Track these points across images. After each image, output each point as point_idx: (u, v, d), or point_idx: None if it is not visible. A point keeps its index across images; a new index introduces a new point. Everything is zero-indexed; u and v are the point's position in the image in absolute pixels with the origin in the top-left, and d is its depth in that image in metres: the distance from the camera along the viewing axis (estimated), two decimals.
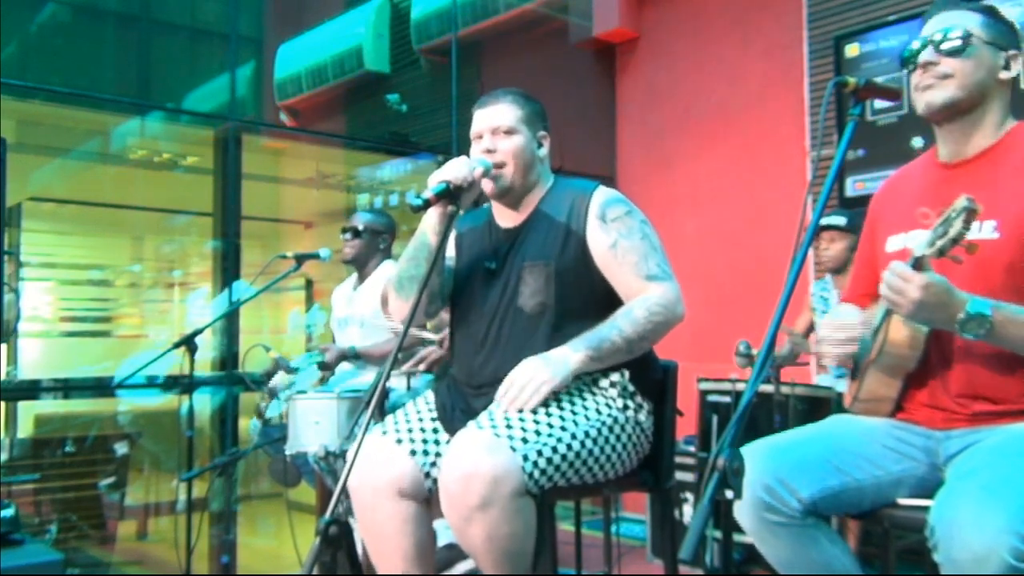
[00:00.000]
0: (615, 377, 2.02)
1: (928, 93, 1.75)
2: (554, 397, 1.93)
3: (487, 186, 2.08)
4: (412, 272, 2.13)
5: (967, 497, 1.40)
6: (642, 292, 2.00)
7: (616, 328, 1.95)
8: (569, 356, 1.93)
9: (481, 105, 2.14)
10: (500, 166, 2.07)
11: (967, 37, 1.72)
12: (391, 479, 1.99)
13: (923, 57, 1.75)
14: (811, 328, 3.74)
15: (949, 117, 1.76)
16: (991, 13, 1.80)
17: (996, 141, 1.75)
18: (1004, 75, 1.76)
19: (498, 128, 2.09)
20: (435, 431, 2.07)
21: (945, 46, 1.74)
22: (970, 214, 1.45)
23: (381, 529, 2.01)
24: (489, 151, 2.08)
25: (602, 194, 2.09)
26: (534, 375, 1.90)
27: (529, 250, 2.08)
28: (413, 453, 2.02)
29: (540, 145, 2.15)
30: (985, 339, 1.55)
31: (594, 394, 2.00)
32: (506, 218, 2.17)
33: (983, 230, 1.65)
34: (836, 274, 3.57)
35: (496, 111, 2.11)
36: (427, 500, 2.03)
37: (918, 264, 1.53)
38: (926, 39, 1.77)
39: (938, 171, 1.82)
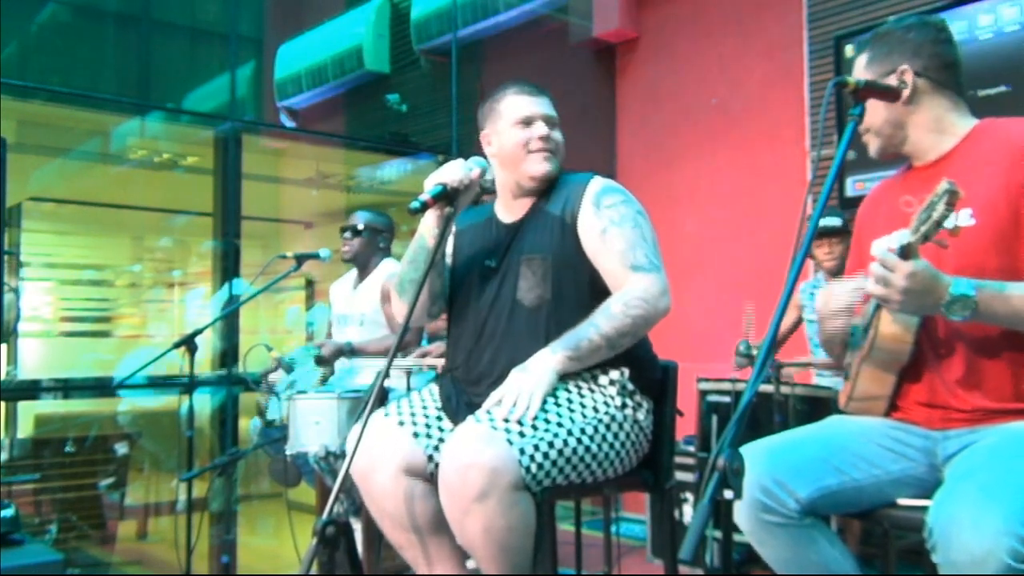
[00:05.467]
0: (614, 375, 2.01)
1: (869, 147, 1.86)
2: (552, 394, 1.92)
3: (543, 170, 2.09)
4: (412, 275, 2.15)
5: (965, 498, 1.40)
6: (626, 282, 1.99)
7: (594, 326, 1.94)
8: (548, 360, 1.92)
9: (529, 92, 2.15)
10: (555, 152, 2.12)
11: (852, 91, 1.69)
12: (394, 457, 1.97)
13: None
14: (795, 326, 3.75)
15: (894, 153, 1.83)
16: (875, 39, 1.81)
17: (959, 142, 1.77)
18: (904, 94, 1.74)
19: (550, 119, 2.13)
20: (439, 418, 2.06)
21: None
22: (952, 196, 1.45)
23: (394, 510, 1.98)
24: (545, 138, 2.11)
25: (598, 183, 2.10)
26: (522, 386, 1.88)
27: (527, 244, 2.09)
28: (416, 435, 2.01)
29: None
30: (972, 319, 1.55)
31: (592, 392, 1.99)
32: (507, 214, 2.18)
33: (960, 218, 1.66)
34: (835, 276, 3.56)
35: (547, 103, 2.15)
36: (431, 480, 1.98)
37: (905, 252, 1.52)
38: None
39: (913, 173, 1.85)
